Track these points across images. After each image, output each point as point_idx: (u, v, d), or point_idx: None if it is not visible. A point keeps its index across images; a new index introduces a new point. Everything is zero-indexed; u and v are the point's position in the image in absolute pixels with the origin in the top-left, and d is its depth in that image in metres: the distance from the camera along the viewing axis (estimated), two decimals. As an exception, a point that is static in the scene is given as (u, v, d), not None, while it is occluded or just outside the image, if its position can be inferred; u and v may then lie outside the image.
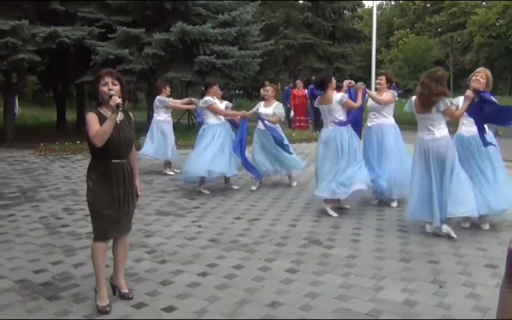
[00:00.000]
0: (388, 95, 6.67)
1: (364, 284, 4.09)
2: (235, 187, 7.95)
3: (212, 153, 7.33)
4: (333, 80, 6.45)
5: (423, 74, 5.65)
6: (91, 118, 3.50)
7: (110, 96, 3.45)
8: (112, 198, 3.58)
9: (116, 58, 13.30)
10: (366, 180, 6.18)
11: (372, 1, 21.18)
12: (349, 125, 6.39)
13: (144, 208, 6.65)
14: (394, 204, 6.60)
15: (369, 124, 6.80)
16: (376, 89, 7.23)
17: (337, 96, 6.32)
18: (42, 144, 12.23)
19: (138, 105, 33.73)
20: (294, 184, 8.09)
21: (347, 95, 6.39)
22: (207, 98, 7.59)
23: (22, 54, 12.20)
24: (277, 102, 7.80)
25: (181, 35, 13.40)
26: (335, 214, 6.18)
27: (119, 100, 3.43)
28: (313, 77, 18.16)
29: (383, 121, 6.66)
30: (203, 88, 8.02)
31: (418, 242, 5.12)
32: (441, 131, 5.21)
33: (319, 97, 6.47)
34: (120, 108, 3.42)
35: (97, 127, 3.45)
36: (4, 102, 15.14)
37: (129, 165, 3.74)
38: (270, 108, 7.66)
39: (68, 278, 4.21)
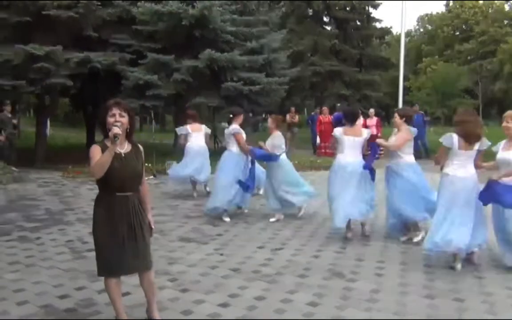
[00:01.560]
0: (400, 136, 6.41)
1: (387, 321, 4.03)
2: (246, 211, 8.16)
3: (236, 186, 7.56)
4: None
5: (459, 112, 5.69)
6: (94, 150, 3.48)
7: (112, 127, 3.41)
8: (115, 233, 3.51)
9: (146, 84, 13.59)
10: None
11: (400, 28, 21.15)
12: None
13: (167, 234, 6.71)
14: (418, 238, 6.45)
15: (387, 163, 6.63)
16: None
17: (364, 131, 6.59)
18: (70, 166, 12.48)
19: (167, 128, 34.23)
20: (301, 213, 8.00)
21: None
22: (234, 126, 7.73)
23: (55, 79, 12.57)
24: (277, 133, 7.72)
25: (209, 62, 13.64)
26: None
27: (116, 131, 3.36)
28: (339, 105, 18.11)
29: (399, 161, 6.42)
30: (230, 115, 8.12)
31: (444, 278, 5.02)
32: (472, 169, 5.34)
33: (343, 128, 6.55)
34: (117, 139, 3.36)
35: (98, 158, 3.43)
36: (37, 123, 15.56)
37: (138, 199, 3.67)
38: (269, 140, 7.78)
39: (91, 304, 4.27)
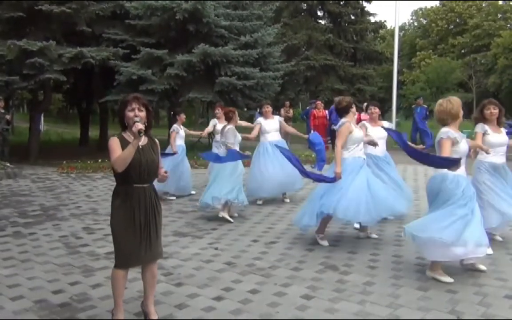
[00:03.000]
0: None
1: (380, 312, 4.05)
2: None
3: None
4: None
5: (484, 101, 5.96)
6: (113, 143, 3.54)
7: (134, 122, 3.48)
8: (133, 224, 3.57)
9: (139, 78, 13.56)
10: None
11: (394, 22, 21.18)
12: None
13: (162, 229, 6.69)
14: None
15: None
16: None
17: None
18: (64, 162, 12.46)
19: (160, 123, 34.14)
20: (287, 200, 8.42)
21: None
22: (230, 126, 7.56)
23: (49, 74, 12.53)
24: (229, 126, 7.51)
25: (203, 56, 13.61)
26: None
27: (141, 126, 3.44)
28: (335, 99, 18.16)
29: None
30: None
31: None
32: None
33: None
34: (142, 134, 3.44)
35: (118, 152, 3.47)
36: (30, 119, 15.52)
37: (155, 191, 3.75)
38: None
39: (85, 299, 4.27)
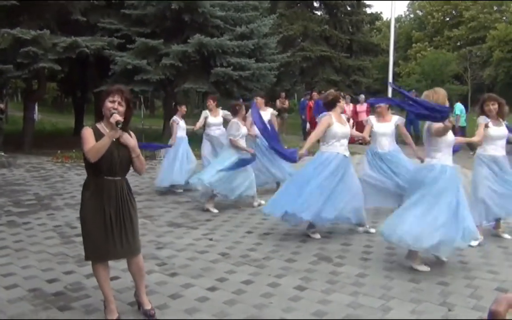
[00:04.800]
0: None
1: (373, 304, 4.09)
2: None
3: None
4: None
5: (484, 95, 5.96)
6: (87, 133, 3.50)
7: (111, 114, 3.45)
8: (103, 217, 3.51)
9: (134, 68, 13.50)
10: None
11: (390, 14, 21.16)
12: None
13: (156, 219, 6.74)
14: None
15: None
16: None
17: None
18: (59, 151, 12.43)
19: (156, 113, 34.09)
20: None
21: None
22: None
23: (43, 63, 12.44)
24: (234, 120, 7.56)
25: (199, 46, 13.55)
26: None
27: (118, 118, 3.43)
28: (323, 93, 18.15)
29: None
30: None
31: (429, 263, 5.09)
32: None
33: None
34: (119, 126, 3.41)
35: (92, 142, 3.44)
36: (24, 108, 15.44)
37: (127, 185, 3.68)
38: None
39: (80, 289, 4.29)
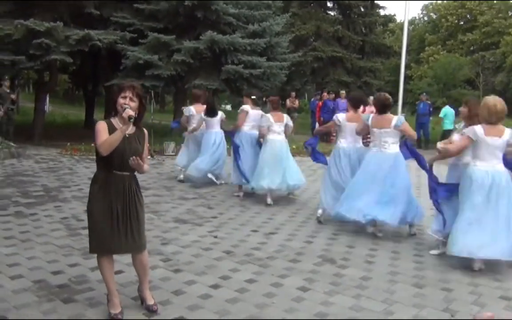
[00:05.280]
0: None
1: (375, 307, 4.08)
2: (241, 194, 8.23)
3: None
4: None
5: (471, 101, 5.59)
6: (101, 126, 3.56)
7: (124, 109, 3.50)
8: (110, 211, 3.55)
9: (146, 63, 13.55)
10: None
11: (404, 16, 21.02)
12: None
13: (163, 215, 6.76)
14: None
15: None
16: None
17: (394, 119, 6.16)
18: (68, 143, 12.51)
19: (166, 108, 34.19)
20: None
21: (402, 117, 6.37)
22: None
23: (55, 55, 12.53)
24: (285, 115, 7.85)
25: (211, 43, 13.58)
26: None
27: (131, 112, 3.48)
28: (342, 92, 18.06)
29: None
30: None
31: (433, 268, 5.08)
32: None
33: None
34: (132, 120, 3.46)
35: (105, 136, 3.49)
36: (35, 99, 15.56)
37: (136, 181, 3.72)
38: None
39: (84, 281, 4.32)
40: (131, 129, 3.60)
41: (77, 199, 7.43)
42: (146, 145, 3.80)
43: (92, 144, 12.36)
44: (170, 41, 13.80)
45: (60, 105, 30.92)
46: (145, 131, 3.80)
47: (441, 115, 16.46)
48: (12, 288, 4.11)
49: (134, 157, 3.49)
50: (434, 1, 51.24)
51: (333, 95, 19.11)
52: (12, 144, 11.59)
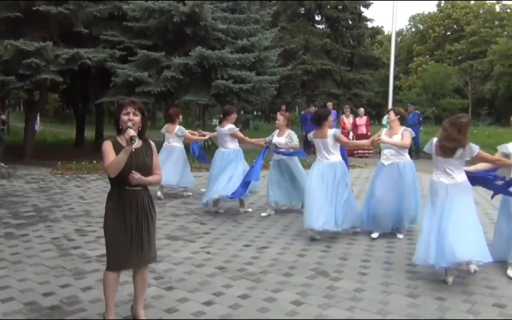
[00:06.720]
0: (406, 136, 6.40)
1: (369, 319, 4.08)
2: (249, 210, 8.20)
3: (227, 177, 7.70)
4: (330, 118, 6.74)
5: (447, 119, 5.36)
6: (107, 147, 3.59)
7: (127, 128, 3.52)
8: (124, 227, 3.61)
9: (135, 80, 13.58)
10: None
11: (391, 28, 21.26)
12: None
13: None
14: (401, 236, 6.66)
15: (385, 162, 6.56)
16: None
17: (330, 131, 6.60)
18: (59, 162, 12.45)
19: (156, 124, 34.14)
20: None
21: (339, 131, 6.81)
22: (231, 126, 7.90)
23: (45, 74, 12.52)
24: (289, 130, 7.84)
25: (200, 59, 13.64)
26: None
27: (133, 133, 3.48)
28: (329, 104, 18.21)
29: (400, 159, 6.50)
30: (221, 115, 8.35)
31: (426, 278, 5.08)
32: (462, 175, 5.02)
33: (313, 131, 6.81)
34: (134, 142, 3.46)
35: (112, 156, 3.52)
36: (26, 119, 15.49)
37: (148, 195, 3.77)
38: (282, 137, 7.70)
39: (75, 302, 4.28)
40: (137, 144, 3.62)
41: (68, 218, 7.38)
42: (156, 156, 3.84)
43: (83, 162, 12.38)
44: (159, 57, 13.86)
45: (50, 124, 30.83)
46: (152, 143, 3.85)
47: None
48: (3, 311, 4.06)
49: (132, 174, 3.53)
50: (422, 12, 51.85)
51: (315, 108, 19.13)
52: (3, 164, 11.50)
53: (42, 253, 5.68)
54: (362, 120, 18.04)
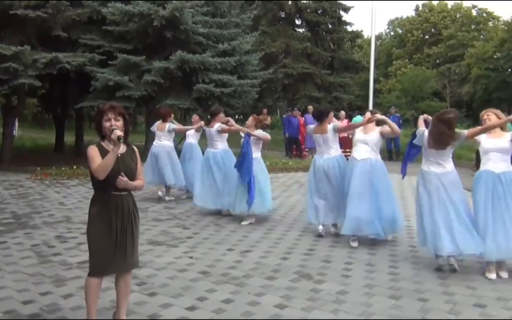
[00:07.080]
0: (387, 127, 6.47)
1: (352, 321, 4.10)
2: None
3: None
4: (331, 115, 6.88)
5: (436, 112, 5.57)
6: (93, 151, 3.55)
7: (112, 131, 3.50)
8: (109, 232, 3.57)
9: (116, 85, 13.45)
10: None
11: (371, 32, 21.48)
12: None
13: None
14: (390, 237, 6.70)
15: (358, 157, 6.47)
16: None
17: (330, 126, 6.74)
18: (38, 168, 12.26)
19: (138, 129, 33.88)
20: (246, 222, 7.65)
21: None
22: (218, 124, 8.07)
23: (23, 79, 12.30)
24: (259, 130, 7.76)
25: (181, 63, 13.58)
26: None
27: (120, 133, 3.48)
28: (309, 107, 18.28)
29: (373, 156, 6.46)
30: (209, 116, 8.49)
31: (409, 279, 5.13)
32: (451, 164, 5.42)
33: (313, 125, 6.99)
34: (121, 140, 3.47)
35: (98, 160, 3.50)
36: (3, 124, 15.23)
37: (133, 200, 3.76)
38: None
39: (56, 310, 4.21)
40: (122, 149, 3.61)
41: (48, 225, 7.26)
42: (139, 162, 3.82)
43: (63, 168, 12.21)
44: (140, 61, 13.75)
45: (29, 129, 30.35)
46: (135, 148, 3.83)
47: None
48: (-19, 321, 3.98)
49: (120, 177, 3.52)
50: (400, 16, 52.53)
51: (298, 112, 19.16)
52: (-20, 171, 11.30)
53: (21, 260, 5.57)
54: (343, 123, 18.12)
